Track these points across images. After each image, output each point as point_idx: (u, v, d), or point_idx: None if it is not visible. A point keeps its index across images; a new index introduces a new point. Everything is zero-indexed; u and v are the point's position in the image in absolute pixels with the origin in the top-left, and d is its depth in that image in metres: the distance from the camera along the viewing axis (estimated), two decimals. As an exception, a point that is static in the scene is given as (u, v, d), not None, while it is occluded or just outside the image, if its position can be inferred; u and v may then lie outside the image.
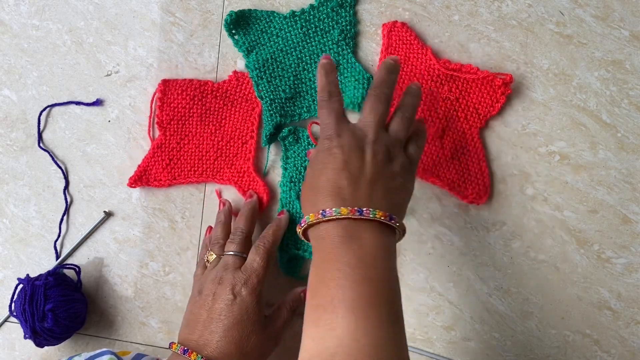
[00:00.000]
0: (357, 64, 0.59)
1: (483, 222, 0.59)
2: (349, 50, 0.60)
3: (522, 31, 0.59)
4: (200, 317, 0.51)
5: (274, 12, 0.61)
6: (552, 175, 0.58)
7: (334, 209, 0.42)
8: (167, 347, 0.61)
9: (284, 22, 0.60)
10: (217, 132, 0.62)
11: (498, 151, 0.59)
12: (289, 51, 0.60)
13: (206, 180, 0.62)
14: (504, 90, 0.57)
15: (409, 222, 0.60)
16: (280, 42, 0.60)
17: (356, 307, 0.38)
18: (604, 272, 0.58)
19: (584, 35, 0.58)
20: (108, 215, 0.63)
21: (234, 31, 0.61)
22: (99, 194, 0.63)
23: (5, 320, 0.64)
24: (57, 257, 0.63)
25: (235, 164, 0.62)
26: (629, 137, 0.58)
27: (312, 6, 0.60)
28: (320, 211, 0.42)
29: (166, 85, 0.61)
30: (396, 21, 0.59)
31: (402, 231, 0.45)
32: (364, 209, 0.42)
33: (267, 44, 0.61)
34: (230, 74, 0.61)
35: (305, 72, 0.61)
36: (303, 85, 0.61)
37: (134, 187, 0.62)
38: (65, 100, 0.64)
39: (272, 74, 0.60)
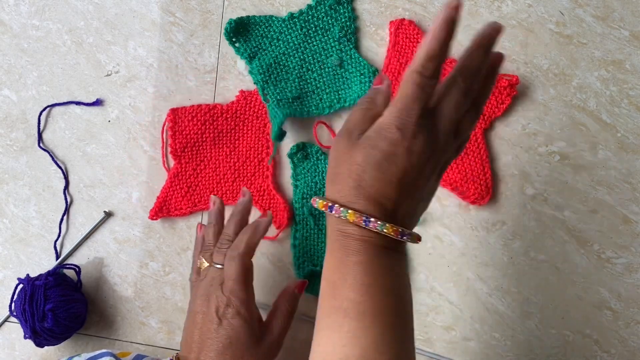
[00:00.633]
0: (361, 58, 0.59)
1: (483, 222, 0.59)
2: (351, 46, 0.60)
3: (522, 31, 0.59)
4: (194, 337, 0.50)
5: (272, 16, 0.61)
6: (552, 175, 0.58)
7: (379, 222, 0.36)
8: (168, 348, 0.62)
9: (283, 25, 0.60)
10: (232, 153, 0.61)
11: (498, 151, 0.59)
12: (291, 53, 0.60)
13: (227, 203, 0.60)
14: (509, 91, 0.57)
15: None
16: (281, 45, 0.60)
17: (384, 318, 0.37)
18: (604, 272, 0.58)
19: (584, 35, 0.58)
20: (108, 215, 0.63)
21: (234, 39, 0.61)
22: (99, 194, 0.63)
23: (5, 320, 0.64)
24: (57, 257, 0.63)
25: (254, 183, 0.61)
26: (629, 137, 0.58)
27: (309, 6, 0.60)
28: (364, 218, 0.36)
29: (175, 114, 0.61)
30: (404, 19, 0.59)
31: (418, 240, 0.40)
32: (406, 233, 0.37)
33: (269, 48, 0.61)
34: (237, 94, 0.61)
35: (309, 72, 0.61)
36: (309, 85, 0.61)
37: (155, 219, 0.61)
38: (65, 100, 0.64)
39: (277, 78, 0.60)
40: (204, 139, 0.61)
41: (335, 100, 0.60)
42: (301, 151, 0.60)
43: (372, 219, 0.37)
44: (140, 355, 0.54)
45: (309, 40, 0.60)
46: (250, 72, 0.61)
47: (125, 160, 0.63)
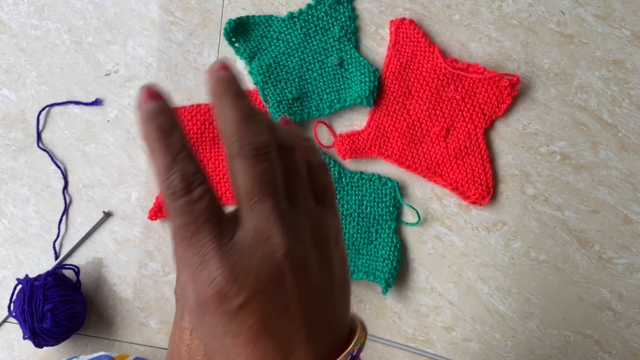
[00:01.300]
0: (361, 58, 0.59)
1: (484, 222, 0.59)
2: (351, 46, 0.60)
3: (523, 30, 0.59)
4: (182, 354, 0.48)
5: (272, 16, 0.61)
6: (553, 175, 0.58)
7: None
8: (167, 348, 0.61)
9: (283, 25, 0.60)
10: None
11: (499, 151, 0.59)
12: (291, 53, 0.60)
13: (227, 204, 0.60)
14: (510, 91, 0.57)
15: (411, 220, 0.60)
16: (281, 45, 0.60)
17: None
18: (605, 272, 0.58)
19: (585, 35, 0.58)
20: (107, 215, 0.63)
21: (233, 39, 0.60)
22: (98, 194, 0.63)
23: (4, 321, 0.64)
24: (56, 257, 0.63)
25: None
26: (630, 137, 0.58)
27: (309, 6, 0.60)
28: None
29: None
30: (404, 18, 0.59)
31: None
32: (353, 350, 0.28)
33: (269, 48, 0.60)
34: None
35: (310, 72, 0.60)
36: (309, 85, 0.60)
37: (155, 219, 0.61)
38: (65, 100, 0.63)
39: (277, 78, 0.60)
40: (204, 139, 0.61)
41: (335, 100, 0.60)
42: None
43: None
44: (140, 359, 0.54)
45: (308, 40, 0.60)
46: (250, 73, 0.60)
47: (124, 160, 0.63)
